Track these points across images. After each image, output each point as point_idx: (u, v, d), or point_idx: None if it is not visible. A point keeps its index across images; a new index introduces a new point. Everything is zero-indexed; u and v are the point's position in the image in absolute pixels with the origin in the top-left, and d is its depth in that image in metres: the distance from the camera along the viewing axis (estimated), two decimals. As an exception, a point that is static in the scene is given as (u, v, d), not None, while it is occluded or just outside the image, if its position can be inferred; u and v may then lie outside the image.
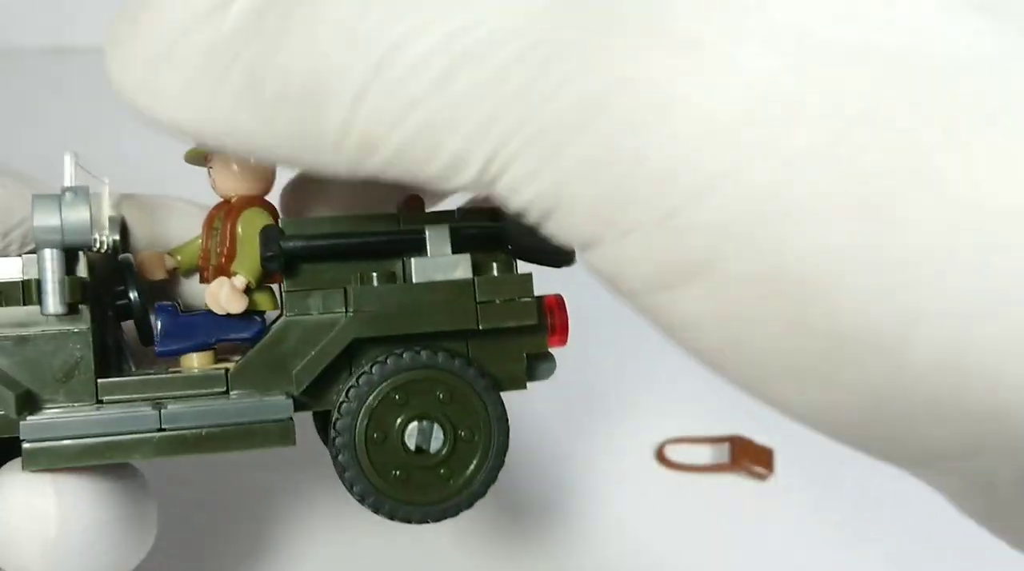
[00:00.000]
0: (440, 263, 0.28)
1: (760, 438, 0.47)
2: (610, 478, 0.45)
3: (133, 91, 0.22)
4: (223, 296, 0.28)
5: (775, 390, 0.20)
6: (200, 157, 0.30)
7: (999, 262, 0.17)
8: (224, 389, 0.28)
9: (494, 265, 0.29)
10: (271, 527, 0.40)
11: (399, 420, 0.28)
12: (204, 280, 0.30)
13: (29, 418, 0.26)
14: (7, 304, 0.27)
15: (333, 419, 0.28)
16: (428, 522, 0.28)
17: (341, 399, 0.28)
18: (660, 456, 0.46)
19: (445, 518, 0.28)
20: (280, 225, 0.28)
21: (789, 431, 0.48)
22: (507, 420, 0.29)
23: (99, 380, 0.27)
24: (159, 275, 0.30)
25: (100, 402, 0.27)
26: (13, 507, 0.26)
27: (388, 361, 0.28)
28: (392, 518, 0.28)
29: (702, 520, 0.43)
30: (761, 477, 0.46)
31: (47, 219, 0.26)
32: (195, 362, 0.29)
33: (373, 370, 0.28)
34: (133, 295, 0.29)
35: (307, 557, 0.40)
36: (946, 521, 0.44)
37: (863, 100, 0.18)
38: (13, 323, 0.27)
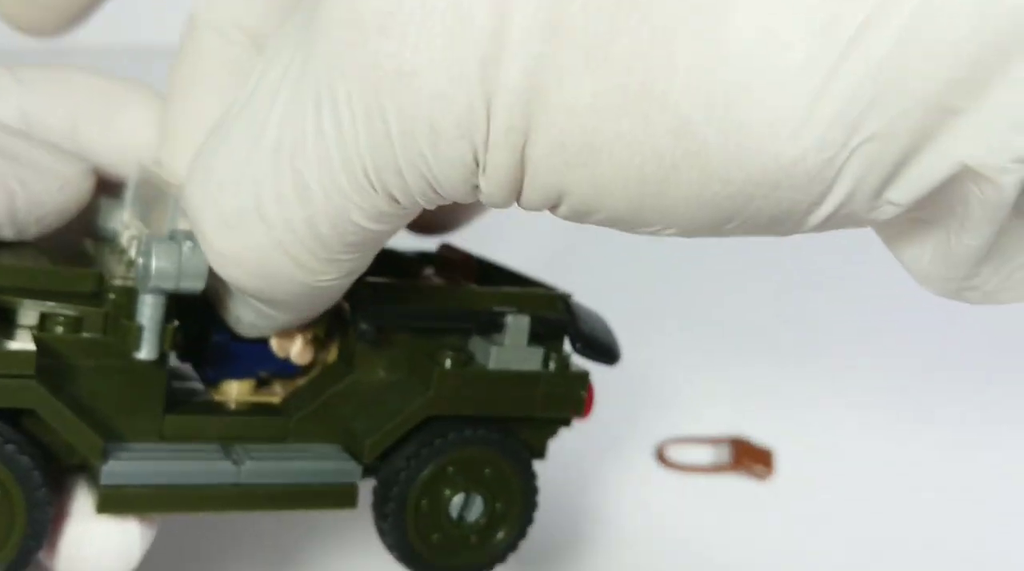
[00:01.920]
0: (517, 354, 0.29)
1: (760, 438, 0.47)
2: (610, 478, 0.45)
3: None
4: (295, 350, 0.29)
5: (655, 202, 0.21)
6: None
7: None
8: (284, 435, 0.28)
9: (554, 356, 0.30)
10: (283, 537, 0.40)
11: (447, 491, 0.29)
12: None
13: (110, 462, 0.26)
14: (89, 331, 0.26)
15: (387, 483, 0.29)
16: None
17: (401, 467, 0.28)
18: (660, 456, 0.46)
19: None
20: (368, 288, 0.28)
21: (789, 431, 0.49)
22: (537, 492, 0.30)
23: (167, 415, 0.27)
24: None
25: (163, 437, 0.27)
26: (98, 547, 0.26)
27: (450, 437, 0.29)
28: None
29: (702, 520, 0.43)
30: (761, 477, 0.46)
31: (166, 266, 0.25)
32: (235, 388, 0.29)
33: (436, 444, 0.28)
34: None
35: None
36: (946, 521, 0.45)
37: None
38: (93, 352, 0.26)
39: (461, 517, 0.29)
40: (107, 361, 0.26)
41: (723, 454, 0.47)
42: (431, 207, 0.23)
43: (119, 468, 0.26)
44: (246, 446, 0.28)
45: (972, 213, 0.21)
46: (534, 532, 0.41)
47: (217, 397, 0.29)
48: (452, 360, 0.28)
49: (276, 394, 0.30)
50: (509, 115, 0.20)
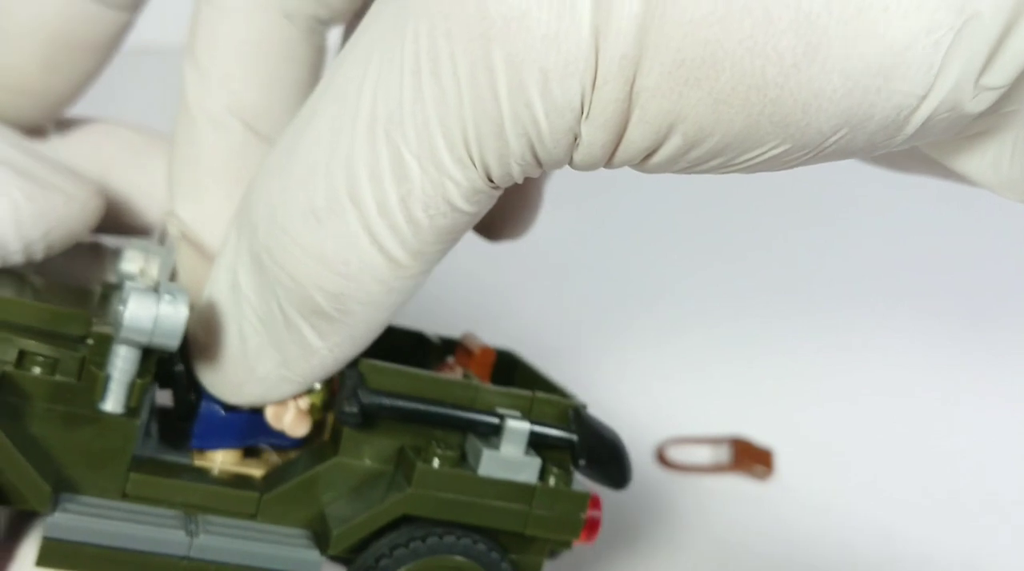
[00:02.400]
0: (511, 463, 0.27)
1: (760, 438, 0.47)
2: (610, 478, 0.45)
3: None
4: (288, 420, 0.27)
5: (785, 104, 0.21)
6: None
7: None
8: (253, 512, 0.27)
9: (554, 471, 0.28)
10: None
11: None
12: None
13: (56, 513, 0.25)
14: (63, 374, 0.25)
15: None
16: None
17: (370, 564, 0.27)
18: (660, 456, 0.46)
19: None
20: (362, 368, 0.27)
21: (789, 431, 0.49)
22: None
23: (132, 474, 0.26)
24: None
25: (125, 495, 0.26)
26: None
27: (428, 541, 0.27)
28: None
29: (702, 520, 0.43)
30: (761, 477, 0.46)
31: (140, 318, 0.24)
32: (220, 456, 0.28)
33: (411, 546, 0.27)
34: (180, 368, 0.28)
35: None
36: (946, 521, 0.45)
37: None
38: (62, 397, 0.25)
39: None
40: (75, 409, 0.25)
41: (723, 454, 0.47)
42: (520, 180, 0.23)
43: (64, 521, 0.25)
44: (210, 519, 0.26)
45: None
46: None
47: (199, 463, 0.28)
48: (440, 459, 0.27)
49: (262, 466, 0.28)
50: (623, 42, 0.20)
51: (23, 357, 0.25)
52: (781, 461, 0.47)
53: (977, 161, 0.23)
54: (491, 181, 0.22)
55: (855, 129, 0.21)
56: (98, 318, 0.26)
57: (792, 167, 0.22)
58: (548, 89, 0.21)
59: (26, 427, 0.25)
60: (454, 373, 0.31)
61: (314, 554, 0.26)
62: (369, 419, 0.27)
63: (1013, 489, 0.47)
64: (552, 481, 0.27)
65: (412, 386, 0.27)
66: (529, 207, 0.33)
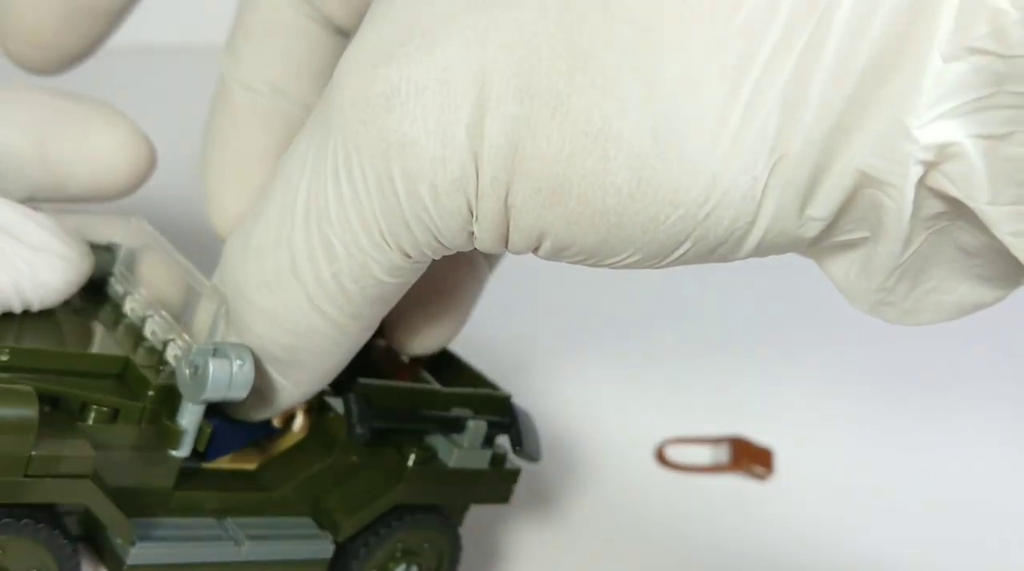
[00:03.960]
0: (474, 455, 0.33)
1: (760, 438, 0.47)
2: (610, 478, 0.45)
3: None
4: (299, 424, 0.32)
5: (624, 232, 0.25)
6: None
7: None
8: (264, 509, 0.31)
9: (496, 456, 0.34)
10: None
11: (393, 564, 0.33)
12: None
13: (138, 545, 0.28)
14: (124, 421, 0.28)
15: (347, 557, 0.32)
16: None
17: (361, 544, 0.32)
18: (660, 456, 0.46)
19: None
20: (363, 391, 0.32)
21: (789, 431, 0.49)
22: (461, 552, 0.34)
23: (175, 492, 0.29)
24: None
25: (169, 512, 0.29)
26: None
27: (404, 520, 0.32)
28: None
29: (702, 520, 0.43)
30: (761, 477, 0.46)
31: (219, 381, 0.27)
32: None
33: (392, 526, 0.32)
34: None
35: None
36: (946, 521, 0.45)
37: None
38: (129, 442, 0.28)
39: None
40: (141, 453, 0.28)
41: (723, 454, 0.47)
42: (438, 257, 0.27)
43: (144, 551, 0.28)
44: (235, 521, 0.30)
45: (884, 221, 0.24)
46: (535, 533, 0.41)
47: (205, 466, 0.31)
48: (416, 457, 0.32)
49: (252, 460, 0.32)
50: (493, 168, 0.24)
51: (84, 407, 0.28)
52: (781, 461, 0.47)
53: (833, 268, 0.27)
54: (409, 257, 0.26)
55: (697, 245, 0.25)
56: (133, 355, 0.29)
57: (661, 268, 0.26)
58: (440, 200, 0.25)
59: (106, 473, 0.27)
60: (397, 364, 0.36)
61: (327, 543, 0.31)
62: (373, 434, 0.31)
63: (1015, 489, 0.47)
64: (494, 463, 0.34)
65: (402, 398, 0.33)
66: (441, 319, 0.36)
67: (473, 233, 0.26)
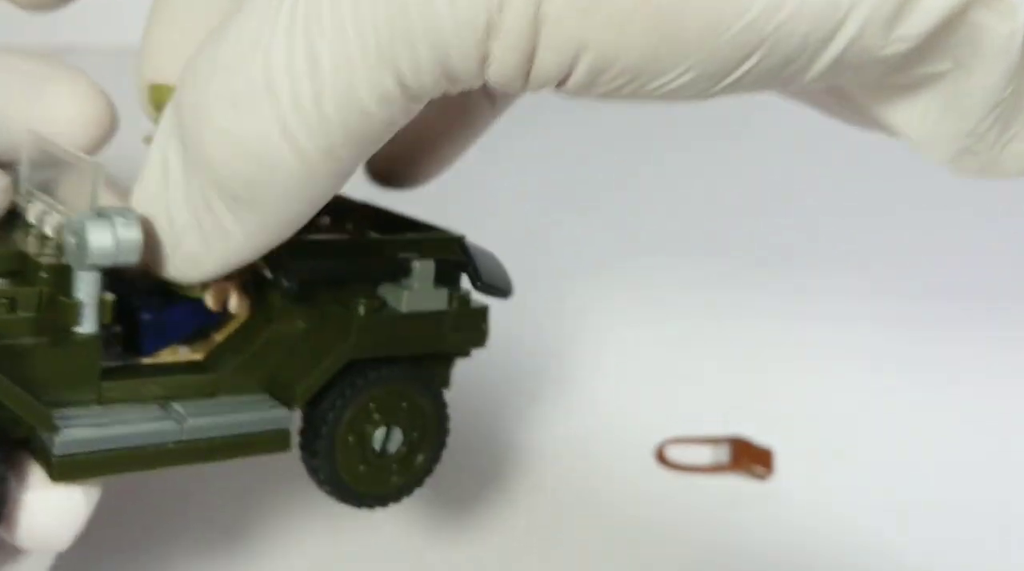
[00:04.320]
0: (425, 297, 0.31)
1: (760, 438, 0.47)
2: (610, 478, 0.45)
3: None
4: (233, 303, 0.30)
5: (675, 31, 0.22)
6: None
7: None
8: (214, 391, 0.30)
9: (456, 296, 0.32)
10: (249, 523, 0.40)
11: (368, 427, 0.31)
12: None
13: (63, 432, 0.27)
14: (23, 311, 0.27)
15: (315, 424, 0.31)
16: (383, 506, 0.32)
17: (327, 408, 0.31)
18: (660, 456, 0.46)
19: (395, 502, 0.32)
20: (287, 247, 0.29)
21: (789, 431, 0.49)
22: (448, 419, 0.33)
23: (104, 383, 0.28)
24: None
25: (101, 402, 0.28)
26: (50, 513, 0.27)
27: (370, 377, 0.31)
28: (356, 506, 0.32)
29: (702, 520, 0.43)
30: (761, 477, 0.46)
31: (103, 243, 0.26)
32: (163, 352, 0.30)
33: (357, 384, 0.31)
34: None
35: (289, 552, 0.40)
36: (946, 521, 0.45)
37: None
38: (31, 330, 0.27)
39: (384, 449, 0.32)
40: (45, 338, 0.27)
41: (723, 454, 0.47)
42: (436, 93, 0.24)
43: (70, 437, 0.27)
44: (182, 403, 0.29)
45: (987, 47, 0.21)
46: (534, 532, 0.41)
47: (147, 361, 0.30)
48: (366, 307, 0.30)
49: (197, 352, 0.31)
50: None
51: None
52: (781, 461, 0.47)
53: (905, 113, 0.24)
54: (406, 87, 0.23)
55: (763, 61, 0.22)
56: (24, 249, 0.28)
57: (710, 96, 0.23)
58: (455, 5, 0.22)
59: (9, 364, 0.27)
60: (342, 231, 0.34)
61: (283, 411, 0.30)
62: (304, 287, 0.30)
63: (1017, 488, 0.47)
64: (456, 304, 0.32)
65: (331, 252, 0.31)
66: (428, 154, 0.34)
67: (489, 56, 0.23)
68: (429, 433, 0.32)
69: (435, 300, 0.31)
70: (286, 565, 0.39)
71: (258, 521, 0.41)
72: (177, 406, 0.29)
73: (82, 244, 0.26)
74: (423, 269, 0.31)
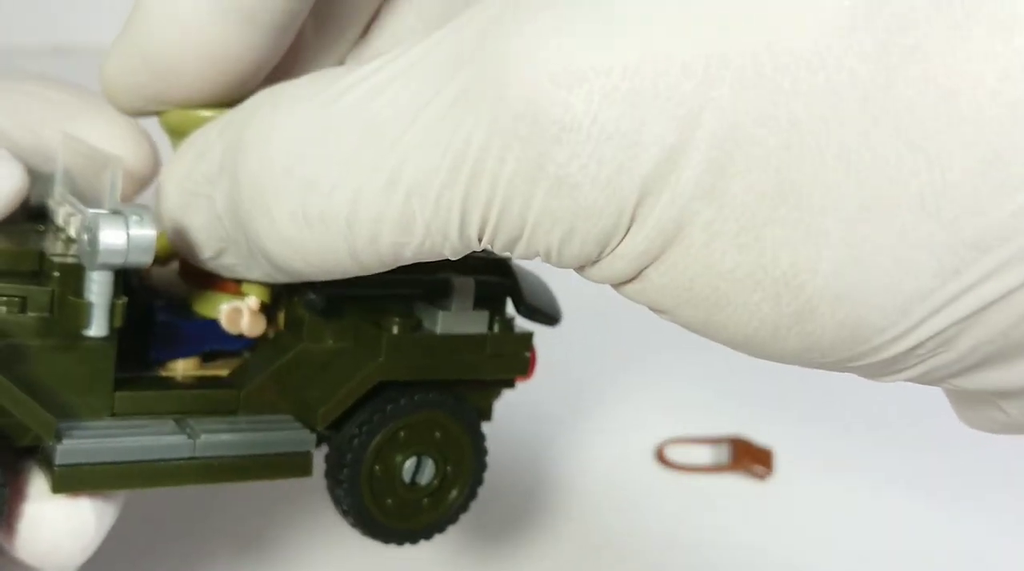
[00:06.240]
0: (464, 318, 0.29)
1: (760, 438, 0.47)
2: (610, 478, 0.45)
3: None
4: (246, 324, 0.28)
5: (753, 346, 0.24)
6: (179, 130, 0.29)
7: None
8: (235, 408, 0.28)
9: (498, 319, 0.30)
10: (266, 531, 0.40)
11: (399, 456, 0.29)
12: (185, 275, 0.30)
13: (65, 441, 0.25)
14: (34, 310, 0.26)
15: (341, 450, 0.29)
16: (411, 543, 0.30)
17: (353, 433, 0.29)
18: (660, 456, 0.46)
19: (424, 539, 0.30)
20: None
21: (789, 431, 0.49)
22: (486, 453, 0.31)
23: (117, 393, 0.27)
24: None
25: (114, 414, 0.27)
26: (54, 527, 0.26)
27: (401, 403, 0.29)
28: (383, 542, 0.30)
29: (702, 520, 0.43)
30: (761, 477, 0.46)
31: (114, 241, 0.25)
32: (181, 365, 0.29)
33: (387, 410, 0.29)
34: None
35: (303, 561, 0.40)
36: (947, 522, 0.45)
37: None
38: (40, 331, 0.26)
39: (414, 481, 0.30)
40: (55, 340, 0.26)
41: (723, 454, 0.47)
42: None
43: (73, 447, 0.26)
44: (199, 420, 0.28)
45: None
46: (534, 532, 0.41)
47: (165, 374, 0.29)
48: (400, 326, 0.28)
49: (223, 368, 0.29)
50: (648, 245, 0.21)
51: None
52: (781, 461, 0.47)
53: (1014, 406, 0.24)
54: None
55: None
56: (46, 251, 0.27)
57: None
58: (567, 245, 0.22)
59: (15, 366, 0.25)
60: None
61: (305, 432, 0.28)
62: (333, 303, 0.28)
63: (1018, 487, 0.47)
64: (497, 328, 0.30)
65: None
66: None
67: (584, 269, 0.23)
68: (464, 467, 0.30)
69: (474, 322, 0.29)
70: None
71: (282, 536, 0.40)
72: (192, 422, 0.27)
73: (93, 241, 0.25)
74: (462, 288, 0.29)
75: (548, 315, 0.32)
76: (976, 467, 0.48)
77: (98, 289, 0.25)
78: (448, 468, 0.30)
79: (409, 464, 0.29)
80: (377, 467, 0.29)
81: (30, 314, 0.26)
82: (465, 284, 0.29)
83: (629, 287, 0.23)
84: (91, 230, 0.25)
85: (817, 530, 0.43)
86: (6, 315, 0.25)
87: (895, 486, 0.46)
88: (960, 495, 0.46)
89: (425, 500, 0.30)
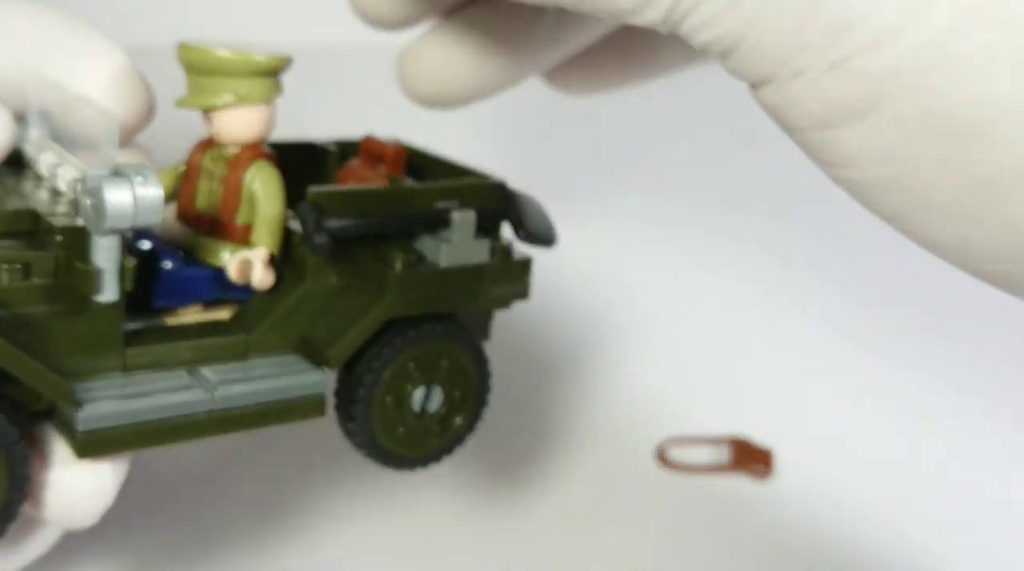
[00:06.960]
0: (465, 249, 0.29)
1: (760, 438, 0.47)
2: (610, 478, 0.45)
3: None
4: (257, 276, 0.28)
5: (927, 225, 0.22)
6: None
7: None
8: (244, 352, 0.28)
9: (498, 247, 0.30)
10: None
11: (408, 386, 0.30)
12: (185, 219, 0.29)
13: (86, 407, 0.25)
14: (38, 277, 0.25)
15: (352, 385, 0.29)
16: (422, 467, 0.31)
17: (364, 369, 0.29)
18: (660, 456, 0.46)
19: (435, 463, 0.31)
20: (315, 199, 0.28)
21: (789, 431, 0.49)
22: (490, 376, 0.31)
23: (128, 349, 0.27)
24: None
25: (126, 370, 0.27)
26: (77, 490, 0.26)
27: (409, 335, 0.29)
28: (395, 468, 0.30)
29: (702, 520, 0.43)
30: (761, 477, 0.46)
31: (122, 205, 0.24)
32: (183, 313, 0.29)
33: (396, 343, 0.29)
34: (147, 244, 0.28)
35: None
36: (947, 522, 0.45)
37: None
38: (47, 298, 0.25)
39: (423, 409, 0.30)
40: (62, 306, 0.25)
41: (723, 454, 0.47)
42: None
43: (94, 412, 0.25)
44: (211, 368, 0.28)
45: None
46: (534, 532, 0.41)
47: (170, 322, 0.29)
48: (403, 262, 0.28)
49: (223, 311, 0.29)
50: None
51: None
52: (781, 461, 0.47)
53: None
54: None
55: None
56: (36, 207, 0.26)
57: None
58: None
59: (24, 334, 0.25)
60: (374, 175, 0.33)
61: (317, 374, 0.28)
62: (338, 244, 0.28)
63: (1018, 486, 0.47)
64: (498, 256, 0.30)
65: (364, 203, 0.29)
66: (612, 73, 0.34)
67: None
68: (470, 391, 0.31)
69: (476, 252, 0.30)
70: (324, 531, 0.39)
71: (294, 491, 0.40)
72: (207, 372, 0.27)
73: (99, 206, 0.24)
74: (463, 220, 0.29)
75: (546, 239, 0.31)
76: (980, 466, 0.48)
77: (105, 254, 0.25)
78: (456, 394, 0.30)
79: (419, 394, 0.30)
80: (388, 399, 0.29)
81: (35, 281, 0.25)
82: (466, 216, 0.29)
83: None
84: (95, 195, 0.24)
85: (817, 530, 0.43)
86: (9, 283, 0.25)
87: (896, 487, 0.46)
88: (960, 495, 0.46)
89: (434, 427, 0.30)
